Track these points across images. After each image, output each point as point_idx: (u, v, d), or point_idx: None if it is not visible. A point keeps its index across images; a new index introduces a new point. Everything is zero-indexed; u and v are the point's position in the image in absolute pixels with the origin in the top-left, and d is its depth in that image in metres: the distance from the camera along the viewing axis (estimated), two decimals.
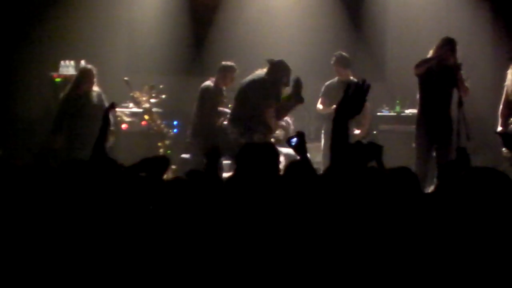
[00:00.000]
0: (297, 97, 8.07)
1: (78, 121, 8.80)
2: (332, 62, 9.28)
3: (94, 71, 8.98)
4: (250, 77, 8.32)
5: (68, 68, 10.31)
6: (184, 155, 9.52)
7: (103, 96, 9.01)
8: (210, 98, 9.07)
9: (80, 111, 8.83)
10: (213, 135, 8.76)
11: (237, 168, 4.21)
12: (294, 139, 4.97)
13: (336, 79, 9.29)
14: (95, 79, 8.98)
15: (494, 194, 3.54)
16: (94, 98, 8.94)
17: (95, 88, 9.02)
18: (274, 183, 3.98)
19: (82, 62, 10.30)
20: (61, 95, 9.13)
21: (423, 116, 8.05)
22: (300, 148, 4.91)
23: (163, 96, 9.86)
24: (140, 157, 4.85)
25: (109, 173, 4.27)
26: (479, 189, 3.57)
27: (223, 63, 9.23)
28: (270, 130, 8.12)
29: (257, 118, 8.03)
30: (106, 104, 9.01)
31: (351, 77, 9.14)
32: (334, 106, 8.40)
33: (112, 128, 7.21)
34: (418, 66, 7.93)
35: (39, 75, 10.17)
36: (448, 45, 7.86)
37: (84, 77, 8.96)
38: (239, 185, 3.99)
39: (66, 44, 10.73)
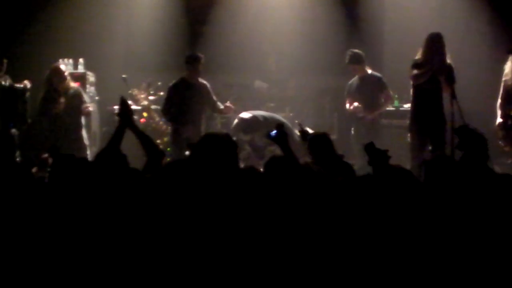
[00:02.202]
0: None
1: (56, 118, 8.80)
2: (346, 61, 9.21)
3: (61, 68, 8.98)
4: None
5: (66, 66, 10.32)
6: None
7: (81, 93, 9.01)
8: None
9: (54, 108, 8.82)
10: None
11: (193, 157, 4.17)
12: (274, 131, 4.95)
13: (356, 76, 9.25)
14: (66, 75, 8.94)
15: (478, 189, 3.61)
16: (71, 96, 8.88)
17: (73, 85, 8.99)
18: (232, 174, 3.95)
19: (81, 60, 10.34)
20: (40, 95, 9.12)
21: (415, 110, 8.08)
22: (281, 140, 4.89)
23: (161, 93, 9.87)
24: (138, 155, 4.85)
25: (117, 168, 4.26)
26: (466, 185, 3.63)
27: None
28: None
29: None
30: (86, 99, 9.04)
31: (370, 71, 9.14)
32: (356, 104, 8.70)
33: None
34: (416, 78, 7.95)
35: (38, 74, 10.17)
36: (435, 47, 7.88)
37: (52, 75, 8.90)
38: (194, 176, 3.97)
39: (65, 42, 10.77)
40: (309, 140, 5.84)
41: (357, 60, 9.08)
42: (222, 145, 4.11)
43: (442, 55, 7.87)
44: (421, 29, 8.67)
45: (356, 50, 9.16)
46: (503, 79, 7.95)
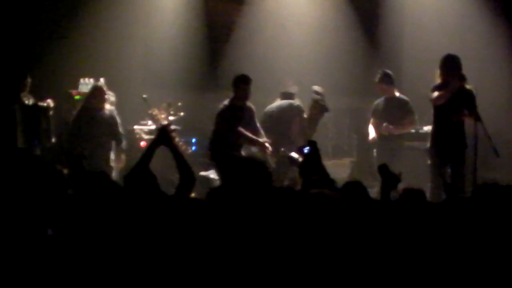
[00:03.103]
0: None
1: (88, 136, 8.97)
2: (376, 80, 9.27)
3: (105, 88, 9.11)
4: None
5: (87, 86, 10.37)
6: (202, 173, 9.56)
7: (115, 114, 9.14)
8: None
9: (90, 127, 8.98)
10: None
11: (224, 181, 4.18)
12: (307, 148, 4.97)
13: (383, 97, 9.29)
14: (106, 97, 9.11)
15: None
16: (106, 116, 9.06)
17: (108, 106, 9.14)
18: (266, 196, 3.95)
19: (101, 80, 10.41)
20: (74, 112, 9.28)
21: (436, 132, 8.09)
22: (313, 157, 4.89)
23: (181, 114, 9.89)
24: (158, 175, 4.87)
25: (146, 188, 4.28)
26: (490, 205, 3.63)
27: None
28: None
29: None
30: (118, 121, 9.16)
31: (397, 94, 9.19)
32: (385, 124, 8.68)
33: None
34: (437, 100, 7.95)
35: (59, 92, 10.24)
36: (451, 69, 7.88)
37: (95, 94, 9.10)
38: (227, 199, 3.97)
39: (85, 62, 10.83)
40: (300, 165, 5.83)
41: (388, 81, 9.15)
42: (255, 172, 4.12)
43: (460, 76, 7.88)
44: (440, 51, 8.68)
45: (388, 71, 9.22)
46: None
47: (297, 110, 9.27)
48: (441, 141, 7.98)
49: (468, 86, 7.93)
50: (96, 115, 9.07)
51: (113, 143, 9.20)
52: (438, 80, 8.03)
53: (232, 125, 8.47)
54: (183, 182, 4.76)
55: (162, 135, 5.10)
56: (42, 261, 3.69)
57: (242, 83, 8.54)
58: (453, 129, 7.95)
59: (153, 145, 5.08)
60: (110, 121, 9.11)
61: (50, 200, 4.03)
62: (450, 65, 7.94)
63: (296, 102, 9.39)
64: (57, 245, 3.77)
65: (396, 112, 9.10)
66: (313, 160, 4.89)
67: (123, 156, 9.19)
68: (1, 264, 3.64)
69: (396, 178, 4.66)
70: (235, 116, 8.51)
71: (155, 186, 4.31)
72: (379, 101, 9.28)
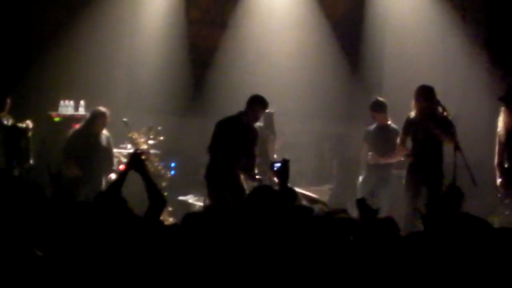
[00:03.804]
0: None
1: (84, 159, 9.04)
2: (369, 107, 9.24)
3: (108, 115, 9.12)
4: None
5: (67, 108, 10.37)
6: (181, 197, 9.52)
7: (111, 140, 9.18)
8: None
9: (88, 150, 9.02)
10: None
11: (246, 208, 4.17)
12: (278, 164, 4.95)
13: (375, 124, 9.26)
14: (106, 123, 9.14)
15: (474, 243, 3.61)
16: (103, 140, 9.12)
17: (104, 131, 9.17)
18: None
19: (82, 102, 10.37)
20: (71, 131, 9.30)
21: (413, 161, 8.09)
22: (282, 174, 4.89)
23: (161, 138, 9.88)
24: (136, 199, 4.85)
25: (117, 212, 4.28)
26: (462, 237, 3.63)
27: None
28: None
29: None
30: (113, 148, 9.20)
31: (389, 122, 9.15)
32: (370, 153, 8.65)
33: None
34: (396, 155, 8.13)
35: (38, 114, 10.19)
36: (424, 100, 7.91)
37: (97, 118, 9.11)
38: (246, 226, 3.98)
39: (66, 84, 10.80)
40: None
41: (377, 108, 9.11)
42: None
43: (433, 106, 7.89)
44: (421, 79, 8.72)
45: (379, 98, 9.21)
46: (498, 134, 7.92)
47: (265, 129, 9.24)
48: (417, 170, 7.99)
49: (445, 113, 7.93)
50: (94, 139, 9.16)
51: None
52: (413, 111, 8.05)
53: (230, 139, 8.12)
54: (152, 206, 4.77)
55: (134, 160, 5.13)
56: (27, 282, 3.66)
57: (259, 107, 8.20)
58: (430, 157, 7.95)
59: (124, 170, 5.12)
60: (106, 146, 9.24)
61: (33, 219, 4.01)
62: (424, 96, 7.94)
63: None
64: (45, 265, 3.75)
65: (385, 140, 9.04)
66: (281, 177, 4.89)
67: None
68: None
69: (374, 213, 4.63)
70: (235, 131, 8.17)
71: (124, 209, 4.31)
72: (370, 127, 9.27)
